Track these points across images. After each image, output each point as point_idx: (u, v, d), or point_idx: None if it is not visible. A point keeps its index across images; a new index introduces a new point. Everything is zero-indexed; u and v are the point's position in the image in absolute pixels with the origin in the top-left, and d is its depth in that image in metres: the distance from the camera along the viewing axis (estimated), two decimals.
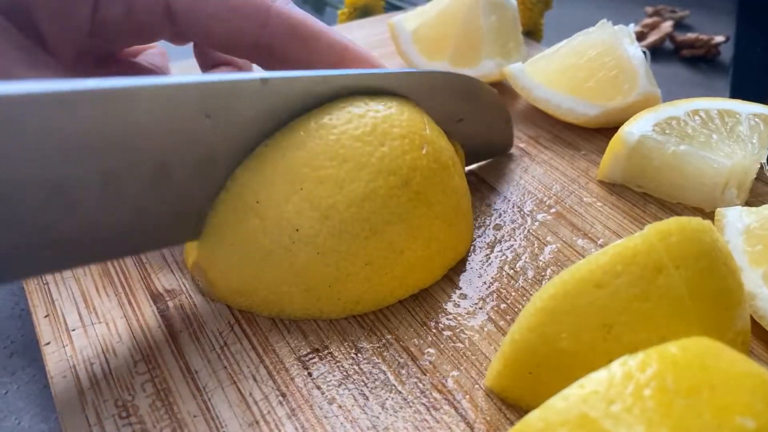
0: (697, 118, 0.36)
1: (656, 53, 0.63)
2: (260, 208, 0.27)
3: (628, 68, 0.40)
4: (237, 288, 0.28)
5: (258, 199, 0.27)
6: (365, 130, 0.28)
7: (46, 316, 0.28)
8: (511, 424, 0.24)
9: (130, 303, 0.29)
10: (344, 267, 0.27)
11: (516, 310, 0.29)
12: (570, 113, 0.42)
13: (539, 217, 0.35)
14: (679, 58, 0.63)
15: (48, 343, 0.27)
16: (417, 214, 0.28)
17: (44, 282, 0.30)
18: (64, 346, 0.27)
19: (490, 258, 0.32)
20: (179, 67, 0.49)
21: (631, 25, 0.43)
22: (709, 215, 0.34)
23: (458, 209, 0.31)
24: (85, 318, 0.28)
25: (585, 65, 0.42)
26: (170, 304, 0.29)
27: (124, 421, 0.24)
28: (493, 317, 0.29)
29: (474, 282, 0.31)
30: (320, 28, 0.31)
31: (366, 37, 0.57)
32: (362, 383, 0.26)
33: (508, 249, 0.33)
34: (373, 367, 0.26)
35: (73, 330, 0.28)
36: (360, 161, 0.27)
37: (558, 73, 0.43)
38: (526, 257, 0.32)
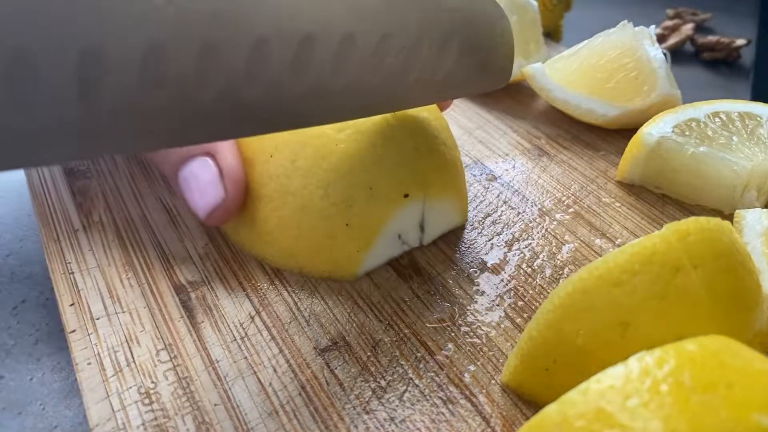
0: (717, 120, 0.36)
1: (677, 55, 0.63)
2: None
3: (648, 70, 0.40)
4: None
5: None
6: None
7: (71, 305, 0.29)
8: (527, 419, 0.24)
9: (153, 294, 0.30)
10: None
11: (533, 307, 0.29)
12: (589, 114, 0.42)
13: (557, 216, 0.35)
14: (699, 61, 0.63)
15: (73, 331, 0.28)
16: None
17: (69, 272, 0.31)
18: (88, 334, 0.28)
19: (507, 256, 0.32)
20: None
21: (652, 27, 0.43)
22: (728, 217, 0.34)
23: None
24: (109, 307, 0.29)
25: (605, 66, 0.42)
26: (192, 295, 0.30)
27: (146, 408, 0.24)
28: (510, 314, 0.29)
29: (491, 279, 0.31)
30: None
31: None
32: (380, 376, 0.26)
33: (526, 247, 0.33)
34: (390, 360, 0.27)
35: (98, 319, 0.28)
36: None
37: (578, 73, 0.43)
38: (543, 256, 0.32)
